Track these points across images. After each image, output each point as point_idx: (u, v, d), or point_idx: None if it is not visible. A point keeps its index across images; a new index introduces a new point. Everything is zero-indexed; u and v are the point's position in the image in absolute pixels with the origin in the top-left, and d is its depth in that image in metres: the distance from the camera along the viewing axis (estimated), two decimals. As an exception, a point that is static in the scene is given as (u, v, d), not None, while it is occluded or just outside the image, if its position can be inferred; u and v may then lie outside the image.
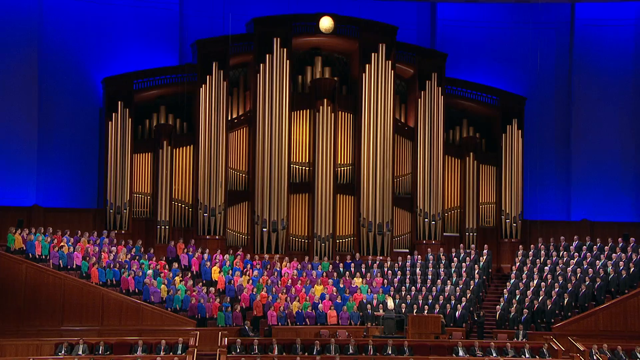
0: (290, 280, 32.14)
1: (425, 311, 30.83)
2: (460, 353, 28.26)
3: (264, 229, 34.12)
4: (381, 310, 30.65)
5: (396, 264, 33.42)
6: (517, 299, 31.18)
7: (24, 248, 30.30)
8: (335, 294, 31.59)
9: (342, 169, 35.25)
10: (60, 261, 30.32)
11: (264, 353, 27.91)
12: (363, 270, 33.14)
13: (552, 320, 30.40)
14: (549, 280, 31.54)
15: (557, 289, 30.89)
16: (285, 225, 34.33)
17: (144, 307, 29.65)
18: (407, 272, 33.06)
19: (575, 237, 33.48)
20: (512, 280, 32.39)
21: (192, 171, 34.21)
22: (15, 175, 33.58)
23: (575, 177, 36.99)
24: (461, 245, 34.55)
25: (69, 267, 30.40)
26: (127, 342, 28.10)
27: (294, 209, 34.81)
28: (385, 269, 33.11)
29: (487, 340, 29.41)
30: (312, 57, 35.71)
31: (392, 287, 32.12)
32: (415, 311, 30.75)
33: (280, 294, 31.11)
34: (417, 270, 33.07)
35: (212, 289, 31.09)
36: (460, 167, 35.92)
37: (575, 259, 32.29)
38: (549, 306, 30.50)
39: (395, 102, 35.47)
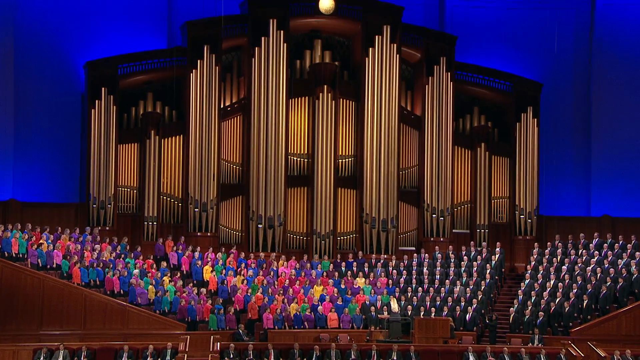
0: (287, 280, 32.10)
1: (433, 314, 30.89)
2: (471, 359, 28.24)
3: (260, 226, 34.07)
4: (385, 313, 30.74)
5: (402, 263, 33.46)
6: (532, 300, 31.16)
7: (0, 246, 30.15)
8: (336, 295, 31.55)
9: (344, 160, 35.19)
10: (39, 260, 30.24)
11: (259, 359, 27.90)
12: (366, 269, 33.13)
13: (570, 323, 30.33)
14: (567, 281, 31.52)
15: (575, 290, 30.83)
16: (283, 221, 34.26)
17: (129, 309, 29.63)
18: (414, 271, 33.09)
19: (595, 234, 33.47)
20: (527, 281, 32.38)
21: (181, 163, 34.20)
22: (-11, 168, 33.62)
23: (596, 170, 36.96)
24: (472, 242, 34.59)
25: (48, 266, 30.35)
26: (112, 347, 28.04)
27: (292, 203, 34.79)
28: (390, 269, 33.13)
29: (500, 345, 29.47)
30: (311, 40, 35.68)
31: (397, 288, 32.10)
32: (422, 314, 30.81)
33: (277, 296, 31.10)
34: (424, 269, 33.10)
35: (203, 290, 31.03)
36: (471, 159, 35.89)
37: (596, 258, 32.23)
38: (567, 309, 30.42)
39: (400, 88, 35.45)
